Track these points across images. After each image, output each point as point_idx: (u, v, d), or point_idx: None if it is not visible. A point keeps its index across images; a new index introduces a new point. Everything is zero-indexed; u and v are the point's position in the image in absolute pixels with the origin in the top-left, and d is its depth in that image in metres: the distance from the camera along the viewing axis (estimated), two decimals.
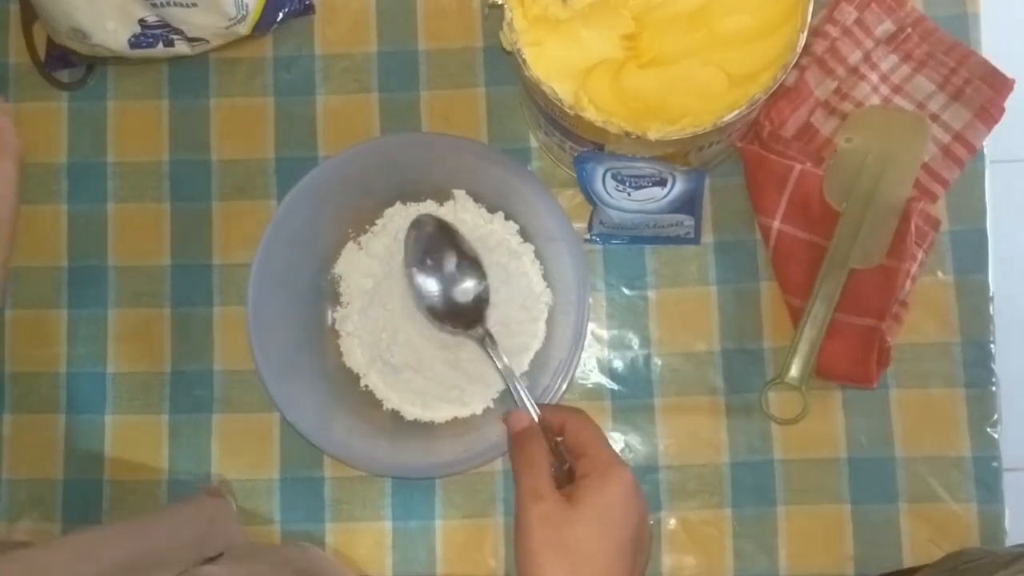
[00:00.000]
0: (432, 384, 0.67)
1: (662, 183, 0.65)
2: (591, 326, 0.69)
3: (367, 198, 0.69)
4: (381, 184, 0.69)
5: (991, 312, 0.68)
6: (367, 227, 0.70)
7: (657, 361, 0.69)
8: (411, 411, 0.68)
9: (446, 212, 0.69)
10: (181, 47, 0.68)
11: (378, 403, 0.69)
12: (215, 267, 0.71)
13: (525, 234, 0.69)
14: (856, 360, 0.65)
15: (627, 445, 0.68)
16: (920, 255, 0.65)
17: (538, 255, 0.69)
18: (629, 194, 0.65)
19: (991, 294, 0.68)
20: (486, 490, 0.68)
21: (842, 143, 0.67)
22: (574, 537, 0.50)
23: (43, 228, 0.72)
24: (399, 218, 0.70)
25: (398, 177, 0.69)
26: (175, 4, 0.64)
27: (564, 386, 0.63)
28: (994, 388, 0.67)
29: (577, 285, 0.64)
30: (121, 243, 0.71)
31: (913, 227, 0.63)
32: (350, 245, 0.70)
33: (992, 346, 0.68)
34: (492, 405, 0.68)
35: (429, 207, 0.69)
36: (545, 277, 0.69)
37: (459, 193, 0.69)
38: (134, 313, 0.71)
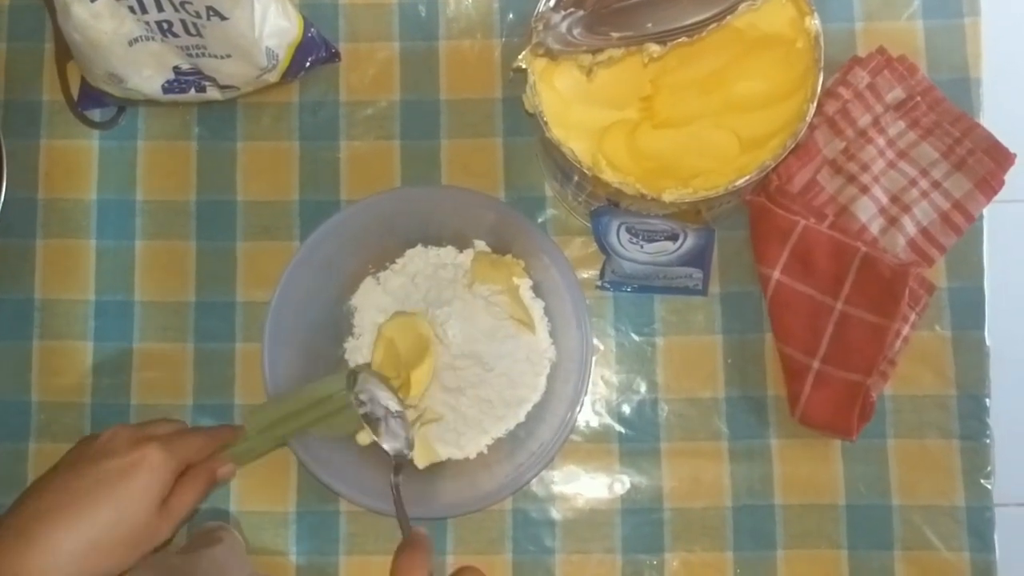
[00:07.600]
0: (431, 424, 0.69)
1: (674, 238, 0.67)
2: (600, 371, 0.72)
3: (390, 237, 0.71)
4: (404, 225, 0.71)
5: (987, 368, 0.70)
6: (387, 264, 0.72)
7: (664, 406, 0.71)
8: None
9: (465, 258, 0.71)
10: (212, 93, 0.70)
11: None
12: (238, 304, 0.73)
13: (538, 290, 0.71)
14: (839, 412, 0.67)
15: (633, 486, 0.71)
16: (912, 317, 0.67)
17: (547, 312, 0.71)
18: (642, 247, 0.68)
19: (987, 350, 0.70)
20: (496, 527, 0.70)
21: None
22: None
23: (71, 262, 0.74)
24: (419, 260, 0.72)
25: (421, 221, 0.71)
26: (209, 55, 0.66)
27: (560, 441, 0.65)
28: (988, 440, 0.70)
29: (581, 343, 0.66)
30: (147, 279, 0.74)
31: (907, 291, 0.65)
32: (368, 279, 0.72)
33: (987, 400, 0.70)
34: (485, 451, 0.70)
35: (449, 253, 0.72)
36: (552, 334, 0.71)
37: (479, 243, 0.71)
38: (158, 348, 0.73)
